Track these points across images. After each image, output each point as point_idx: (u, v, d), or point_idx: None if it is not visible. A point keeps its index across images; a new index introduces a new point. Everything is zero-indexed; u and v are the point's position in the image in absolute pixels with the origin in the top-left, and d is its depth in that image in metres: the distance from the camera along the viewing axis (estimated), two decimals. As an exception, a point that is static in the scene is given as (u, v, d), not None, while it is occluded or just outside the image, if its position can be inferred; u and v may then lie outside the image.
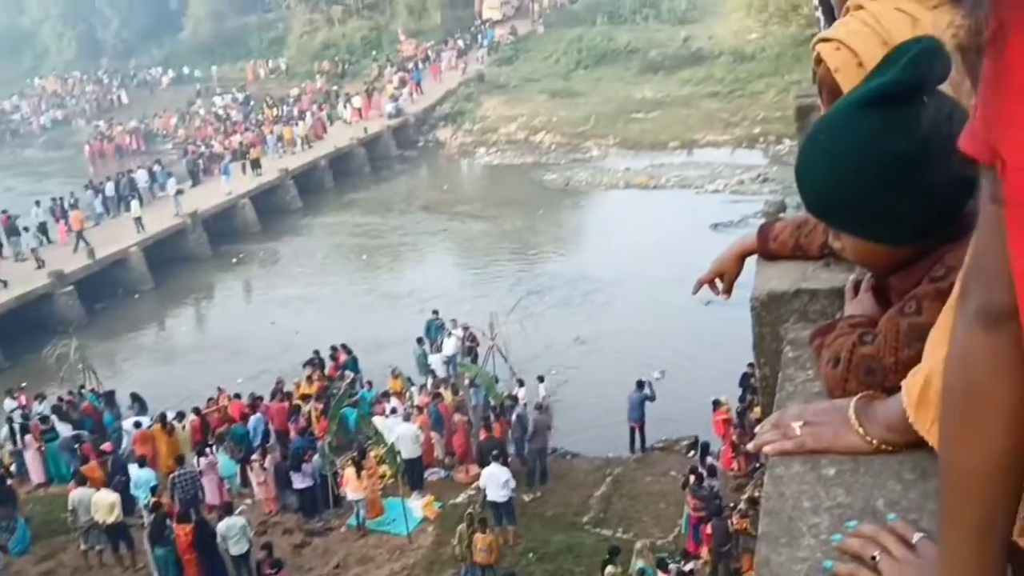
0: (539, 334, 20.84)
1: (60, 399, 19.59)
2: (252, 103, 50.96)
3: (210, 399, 18.92)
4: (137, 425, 17.49)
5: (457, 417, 17.23)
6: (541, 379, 18.42)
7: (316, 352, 20.44)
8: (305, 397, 18.36)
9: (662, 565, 12.33)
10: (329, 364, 20.37)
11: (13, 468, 17.85)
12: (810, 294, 1.93)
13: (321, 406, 17.76)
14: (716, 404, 16.47)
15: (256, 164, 35.99)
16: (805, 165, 1.44)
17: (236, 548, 13.68)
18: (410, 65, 50.52)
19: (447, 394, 17.99)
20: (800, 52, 36.06)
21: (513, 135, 42.05)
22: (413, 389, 19.15)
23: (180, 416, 17.85)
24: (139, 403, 19.36)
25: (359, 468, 14.86)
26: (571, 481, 16.53)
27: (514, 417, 16.59)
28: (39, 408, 19.25)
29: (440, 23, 56.92)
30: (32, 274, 26.65)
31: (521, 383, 18.12)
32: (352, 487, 14.99)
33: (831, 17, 2.31)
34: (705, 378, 18.26)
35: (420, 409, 17.66)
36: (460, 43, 52.95)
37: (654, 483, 16.11)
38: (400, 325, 22.47)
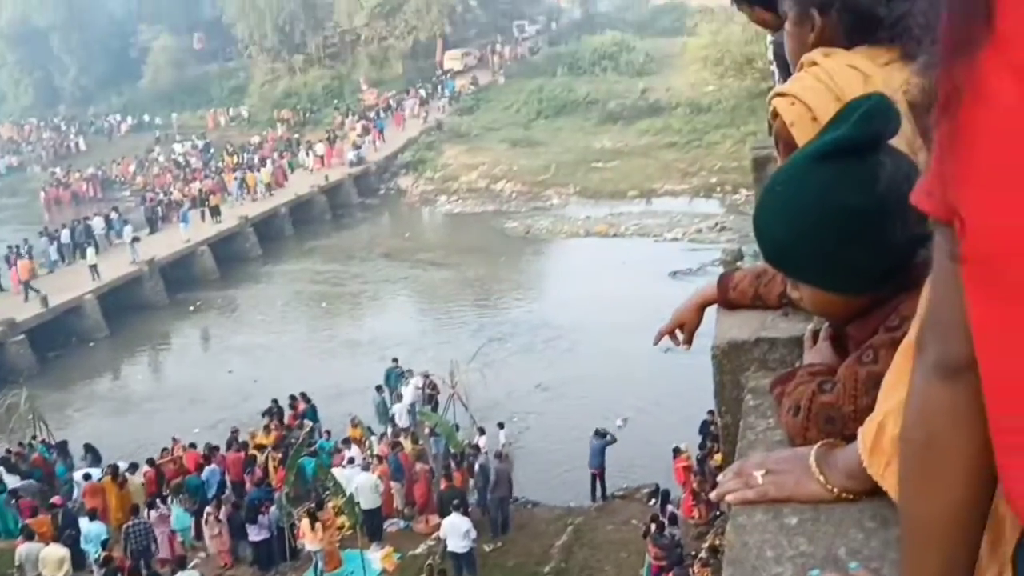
0: (500, 381, 20.76)
1: (8, 451, 19.07)
2: (212, 150, 50.78)
3: (164, 449, 18.55)
4: (87, 477, 17.05)
5: (419, 466, 17.05)
6: (501, 425, 18.33)
7: (274, 401, 20.18)
8: (260, 447, 18.07)
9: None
10: (288, 413, 20.11)
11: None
12: (770, 343, 1.95)
13: (279, 456, 17.49)
14: (676, 451, 16.47)
15: (215, 211, 35.77)
16: (762, 217, 1.47)
17: (190, 603, 13.34)
18: (372, 114, 50.79)
19: (407, 443, 17.82)
20: (755, 104, 36.84)
21: (474, 183, 42.30)
22: (373, 439, 18.95)
23: (133, 467, 17.46)
24: (92, 454, 18.93)
25: (314, 519, 14.60)
26: (532, 531, 16.37)
27: (477, 467, 16.45)
28: (-14, 460, 18.72)
29: (402, 73, 57.42)
30: (-18, 323, 26.11)
31: (482, 431, 18.01)
32: (309, 539, 14.71)
33: (786, 71, 2.36)
34: (666, 425, 18.30)
35: (380, 458, 17.46)
36: (422, 92, 53.38)
37: (615, 532, 16.01)
38: (361, 373, 22.28)
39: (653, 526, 13.77)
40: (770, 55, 3.80)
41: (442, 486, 16.13)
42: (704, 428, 16.69)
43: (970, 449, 0.83)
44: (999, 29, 0.69)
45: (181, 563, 13.87)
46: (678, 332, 2.19)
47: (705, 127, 42.83)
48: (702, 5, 60.12)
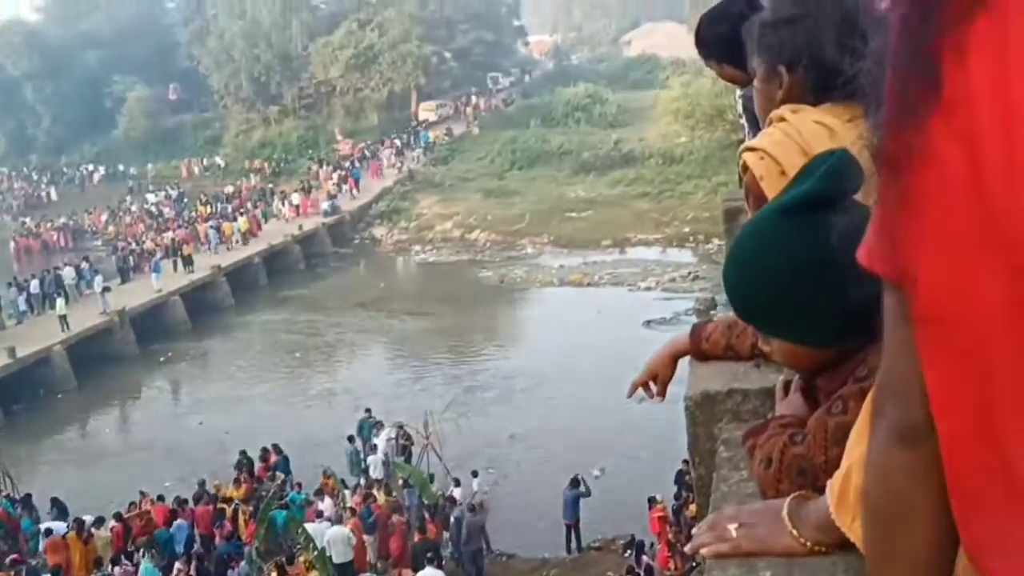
0: (475, 431, 20.63)
1: (-29, 506, 18.63)
2: (186, 200, 50.63)
3: (131, 503, 18.19)
4: (48, 532, 16.56)
5: (395, 518, 16.81)
6: (475, 474, 18.17)
7: (242, 453, 19.91)
8: (228, 500, 17.77)
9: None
10: (259, 465, 19.82)
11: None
12: (742, 394, 1.96)
13: (250, 509, 17.19)
14: (652, 501, 16.36)
15: (188, 261, 35.54)
16: (731, 272, 1.48)
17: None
18: (347, 164, 50.98)
19: (380, 495, 17.59)
20: (726, 155, 37.35)
21: (449, 233, 42.43)
22: (346, 492, 18.68)
23: (99, 521, 17.04)
24: (59, 508, 18.50)
25: (284, 574, 14.30)
26: (507, 584, 16.17)
27: (452, 519, 16.25)
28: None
29: (377, 123, 57.82)
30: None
31: (457, 483, 17.83)
32: (280, 594, 14.39)
33: (755, 124, 2.41)
34: (641, 474, 18.19)
35: (353, 511, 17.20)
36: (397, 142, 53.71)
37: (592, 584, 15.83)
38: (335, 423, 22.03)
39: (629, 578, 13.64)
40: (740, 108, 3.88)
41: (416, 538, 15.90)
42: (679, 478, 16.62)
43: (933, 508, 0.82)
44: (945, 96, 0.67)
45: (148, 621, 13.53)
46: (651, 384, 2.20)
47: (677, 177, 43.32)
48: (674, 58, 61.31)
